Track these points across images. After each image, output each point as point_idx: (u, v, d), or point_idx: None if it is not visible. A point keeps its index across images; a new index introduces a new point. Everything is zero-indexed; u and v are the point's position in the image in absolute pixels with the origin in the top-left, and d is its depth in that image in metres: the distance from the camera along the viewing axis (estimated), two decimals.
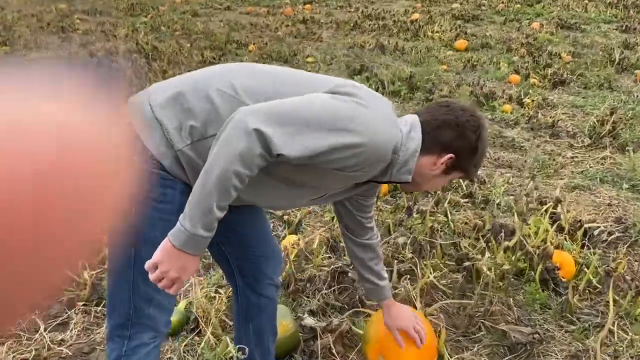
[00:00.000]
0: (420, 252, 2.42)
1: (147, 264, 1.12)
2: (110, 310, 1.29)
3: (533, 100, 5.33)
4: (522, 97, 5.44)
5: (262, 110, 1.08)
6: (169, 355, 1.94)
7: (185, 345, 1.96)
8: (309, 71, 6.46)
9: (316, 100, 1.14)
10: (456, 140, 1.29)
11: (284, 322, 1.94)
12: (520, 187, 3.47)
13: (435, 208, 2.97)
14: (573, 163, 3.99)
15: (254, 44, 7.52)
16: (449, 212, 2.86)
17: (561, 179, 3.66)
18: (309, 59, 7.04)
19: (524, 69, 6.49)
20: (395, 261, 2.34)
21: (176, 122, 1.16)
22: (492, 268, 2.24)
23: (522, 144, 4.33)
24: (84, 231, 0.24)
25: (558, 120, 4.74)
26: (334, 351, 1.93)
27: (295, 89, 1.20)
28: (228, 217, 1.43)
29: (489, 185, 3.44)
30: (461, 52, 7.71)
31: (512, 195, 3.39)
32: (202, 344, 1.95)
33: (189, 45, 7.42)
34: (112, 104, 0.25)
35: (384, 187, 3.12)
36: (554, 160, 4.00)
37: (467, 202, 3.24)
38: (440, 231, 2.76)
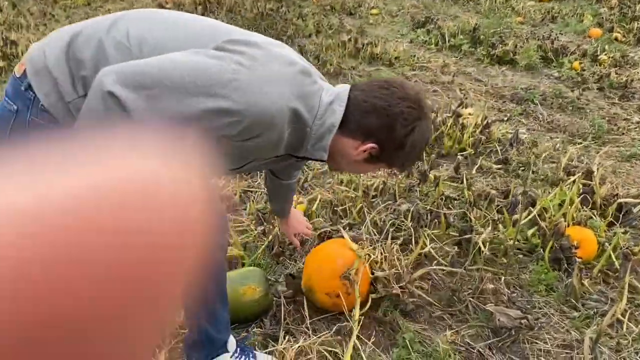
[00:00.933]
0: (419, 221, 2.26)
1: None
2: None
3: (610, 57, 4.79)
4: (599, 53, 4.91)
5: (122, 70, 0.97)
6: None
7: None
8: (371, 24, 6.21)
9: (187, 59, 1.01)
10: (382, 130, 1.14)
11: (253, 285, 1.90)
12: (564, 153, 3.15)
13: (456, 174, 2.77)
14: (637, 129, 3.56)
15: None
16: (465, 179, 2.65)
17: (617, 146, 3.28)
18: (373, 11, 6.75)
19: (609, 21, 5.84)
20: (392, 229, 2.21)
21: (67, 72, 1.08)
22: (487, 243, 2.06)
23: (583, 106, 3.92)
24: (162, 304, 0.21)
25: (632, 80, 4.24)
26: (302, 315, 1.87)
27: (186, 35, 1.09)
28: None
29: (527, 151, 3.15)
30: (543, 3, 7.07)
31: (554, 162, 3.09)
32: None
33: None
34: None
35: None
36: (615, 125, 3.59)
37: (500, 169, 3.00)
38: (455, 200, 2.57)
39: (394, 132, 1.13)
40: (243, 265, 2.16)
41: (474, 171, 2.94)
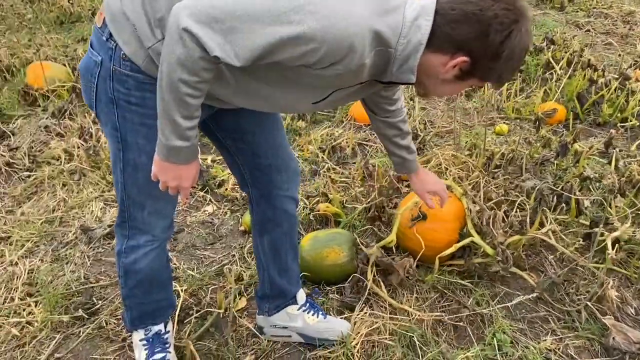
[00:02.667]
0: (540, 203, 1.94)
1: (152, 176, 1.13)
2: (118, 207, 1.34)
3: None
4: None
5: (195, 4, 0.93)
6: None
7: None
8: None
9: None
10: (475, 40, 0.99)
11: (338, 248, 1.82)
12: None
13: (605, 150, 2.35)
14: None
15: None
16: (615, 158, 2.22)
17: None
18: None
19: None
20: (506, 207, 1.93)
21: (144, 15, 1.07)
22: (622, 241, 1.71)
23: None
24: None
25: None
26: (383, 289, 1.75)
27: None
28: (239, 124, 1.35)
29: None
30: None
31: None
32: None
33: None
34: None
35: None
36: None
37: None
38: (597, 182, 2.18)
39: (487, 40, 0.99)
40: (338, 224, 2.07)
41: (632, 148, 2.46)
